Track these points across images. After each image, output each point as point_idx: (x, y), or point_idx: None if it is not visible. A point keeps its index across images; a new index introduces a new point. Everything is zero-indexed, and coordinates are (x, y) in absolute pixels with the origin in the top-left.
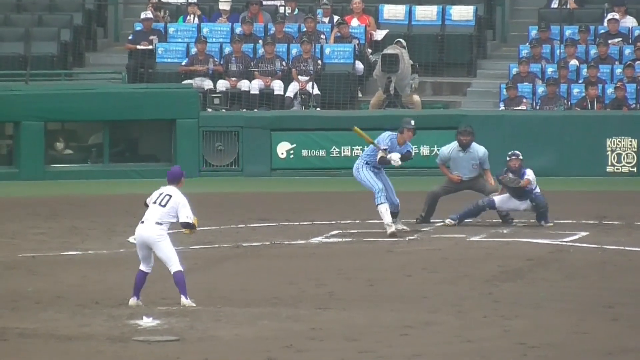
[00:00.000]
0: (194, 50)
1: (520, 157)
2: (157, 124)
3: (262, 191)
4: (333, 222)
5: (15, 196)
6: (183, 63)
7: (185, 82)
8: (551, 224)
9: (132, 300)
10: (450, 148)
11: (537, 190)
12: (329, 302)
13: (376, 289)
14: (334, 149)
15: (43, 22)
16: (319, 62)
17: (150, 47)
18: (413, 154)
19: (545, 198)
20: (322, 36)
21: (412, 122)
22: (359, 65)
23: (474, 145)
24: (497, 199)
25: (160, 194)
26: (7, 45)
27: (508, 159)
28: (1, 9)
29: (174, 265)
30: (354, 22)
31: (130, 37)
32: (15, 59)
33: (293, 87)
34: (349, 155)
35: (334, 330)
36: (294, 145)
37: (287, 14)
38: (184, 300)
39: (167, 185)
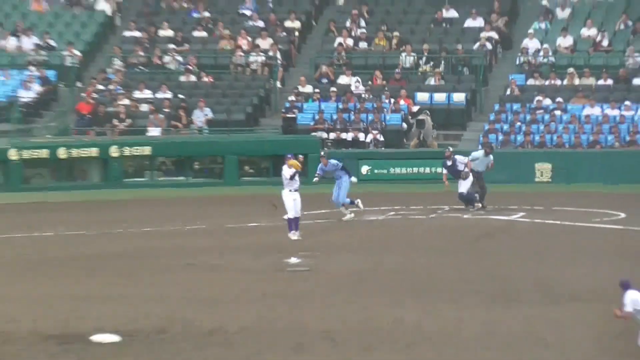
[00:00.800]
0: (317, 117)
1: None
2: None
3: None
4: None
5: (220, 195)
6: (311, 124)
7: (312, 134)
8: (486, 206)
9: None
10: (478, 153)
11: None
12: None
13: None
14: (392, 169)
15: (238, 102)
16: (383, 123)
17: (294, 115)
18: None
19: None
20: (385, 109)
21: (322, 152)
22: (404, 125)
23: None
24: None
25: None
26: (217, 113)
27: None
28: (217, 94)
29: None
30: (402, 102)
31: (283, 110)
32: (220, 122)
33: (369, 137)
34: (400, 172)
35: None
36: (370, 167)
37: (365, 97)
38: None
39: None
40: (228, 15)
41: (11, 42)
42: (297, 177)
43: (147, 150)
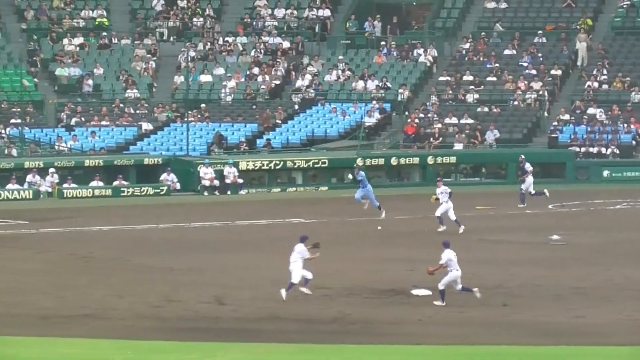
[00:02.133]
0: (572, 136)
1: None
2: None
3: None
4: None
5: (503, 190)
6: (568, 142)
7: (569, 148)
8: None
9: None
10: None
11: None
12: None
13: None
14: (625, 173)
15: (517, 126)
16: (619, 141)
17: (556, 135)
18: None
19: None
20: (620, 131)
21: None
22: (634, 142)
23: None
24: None
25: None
26: (502, 133)
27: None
28: None
29: None
30: (632, 126)
31: (548, 132)
32: (504, 140)
33: (609, 150)
34: (631, 175)
35: None
36: (609, 171)
37: (606, 123)
38: None
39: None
40: (511, 66)
41: (360, 84)
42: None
43: (453, 159)
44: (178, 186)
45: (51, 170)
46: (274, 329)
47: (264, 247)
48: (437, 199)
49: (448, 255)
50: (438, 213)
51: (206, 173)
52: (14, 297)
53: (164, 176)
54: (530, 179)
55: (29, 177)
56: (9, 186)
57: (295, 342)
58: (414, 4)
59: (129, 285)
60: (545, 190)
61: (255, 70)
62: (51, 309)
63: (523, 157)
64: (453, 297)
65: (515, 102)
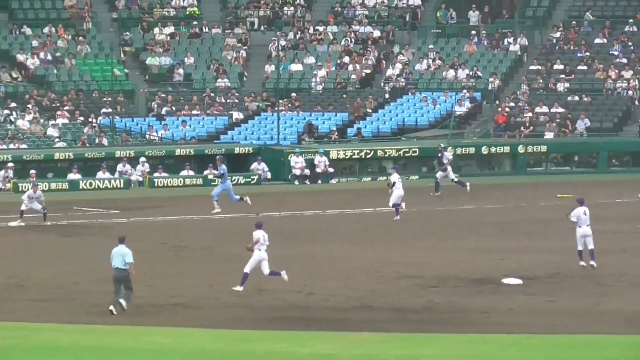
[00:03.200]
0: None
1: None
2: None
3: None
4: None
5: (594, 180)
6: None
7: None
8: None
9: None
10: None
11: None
12: None
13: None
14: None
15: (607, 115)
16: None
17: None
18: None
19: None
20: None
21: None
22: None
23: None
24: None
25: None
26: (593, 122)
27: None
28: None
29: None
30: None
31: (639, 121)
32: (595, 129)
33: None
34: None
35: None
36: None
37: None
38: None
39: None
40: (602, 54)
41: (450, 73)
42: None
43: (543, 148)
44: (269, 175)
45: (142, 159)
46: (364, 318)
47: (354, 237)
48: (393, 184)
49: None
50: (391, 202)
51: (297, 162)
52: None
53: (254, 165)
54: (449, 169)
55: (120, 166)
56: (100, 175)
57: (385, 331)
58: None
59: (219, 274)
60: (468, 184)
61: (346, 59)
62: (142, 298)
63: (442, 145)
64: (543, 286)
65: (607, 91)
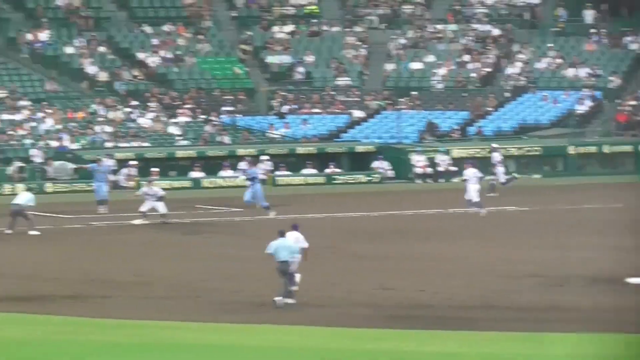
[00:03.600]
0: None
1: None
2: None
3: None
4: None
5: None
6: None
7: None
8: None
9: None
10: None
11: None
12: None
13: None
14: None
15: None
16: None
17: None
18: None
19: None
20: None
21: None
22: None
23: None
24: None
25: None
26: None
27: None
28: None
29: None
30: None
31: None
32: None
33: None
34: None
35: None
36: None
37: None
38: None
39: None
40: None
41: (570, 72)
42: None
43: None
44: (390, 174)
45: (264, 157)
46: (488, 317)
47: (477, 235)
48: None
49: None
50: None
51: (419, 161)
52: (233, 283)
53: (376, 164)
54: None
55: (242, 165)
56: (222, 173)
57: (510, 330)
58: None
59: (342, 273)
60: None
61: (466, 57)
62: (267, 296)
63: (493, 146)
64: None
65: None
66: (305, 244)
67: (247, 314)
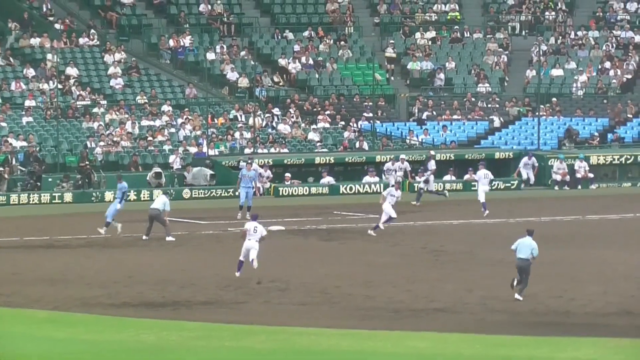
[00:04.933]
0: None
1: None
2: None
3: None
4: None
5: None
6: None
7: None
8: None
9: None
10: None
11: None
12: None
13: None
14: None
15: None
16: None
17: None
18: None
19: None
20: None
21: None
22: None
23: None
24: None
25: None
26: None
27: None
28: None
29: None
30: None
31: None
32: None
33: None
34: None
35: None
36: None
37: None
38: None
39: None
40: None
41: None
42: None
43: None
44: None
45: (403, 156)
46: (625, 323)
47: (614, 242)
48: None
49: None
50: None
51: (559, 168)
52: (368, 290)
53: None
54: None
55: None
56: (367, 179)
57: None
58: None
59: (479, 279)
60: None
61: (607, 64)
62: (402, 302)
63: (432, 153)
64: None
65: None
66: (265, 232)
67: (381, 319)
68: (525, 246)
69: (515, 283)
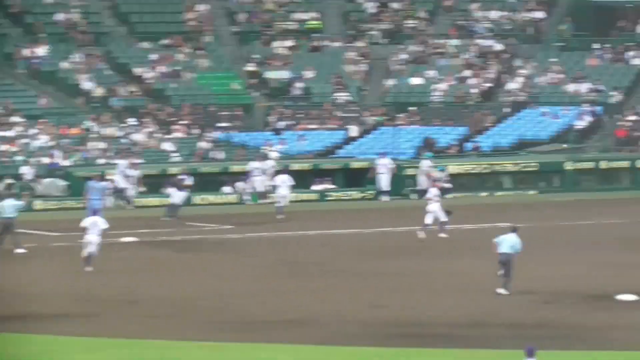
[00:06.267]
0: None
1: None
2: None
3: None
4: None
5: None
6: None
7: None
8: None
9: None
10: None
11: None
12: None
13: None
14: None
15: None
16: None
17: None
18: None
19: None
20: None
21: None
22: None
23: None
24: None
25: None
26: None
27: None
28: None
29: None
30: None
31: None
32: None
33: None
34: None
35: None
36: None
37: None
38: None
39: None
40: None
41: (571, 87)
42: None
43: None
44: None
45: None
46: (480, 334)
47: (469, 253)
48: None
49: None
50: None
51: (438, 178)
52: (221, 302)
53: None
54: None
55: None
56: (225, 190)
57: (500, 348)
58: (630, 5)
59: (332, 290)
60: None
61: (467, 72)
62: (255, 314)
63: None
64: None
65: None
66: (106, 226)
67: (232, 332)
68: (507, 242)
69: (499, 274)
